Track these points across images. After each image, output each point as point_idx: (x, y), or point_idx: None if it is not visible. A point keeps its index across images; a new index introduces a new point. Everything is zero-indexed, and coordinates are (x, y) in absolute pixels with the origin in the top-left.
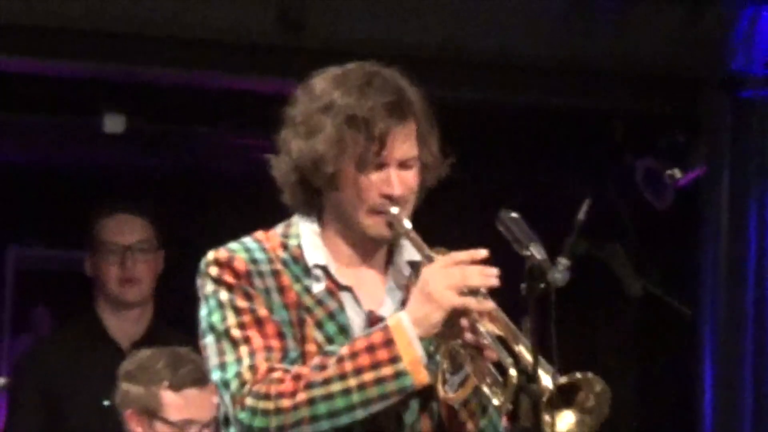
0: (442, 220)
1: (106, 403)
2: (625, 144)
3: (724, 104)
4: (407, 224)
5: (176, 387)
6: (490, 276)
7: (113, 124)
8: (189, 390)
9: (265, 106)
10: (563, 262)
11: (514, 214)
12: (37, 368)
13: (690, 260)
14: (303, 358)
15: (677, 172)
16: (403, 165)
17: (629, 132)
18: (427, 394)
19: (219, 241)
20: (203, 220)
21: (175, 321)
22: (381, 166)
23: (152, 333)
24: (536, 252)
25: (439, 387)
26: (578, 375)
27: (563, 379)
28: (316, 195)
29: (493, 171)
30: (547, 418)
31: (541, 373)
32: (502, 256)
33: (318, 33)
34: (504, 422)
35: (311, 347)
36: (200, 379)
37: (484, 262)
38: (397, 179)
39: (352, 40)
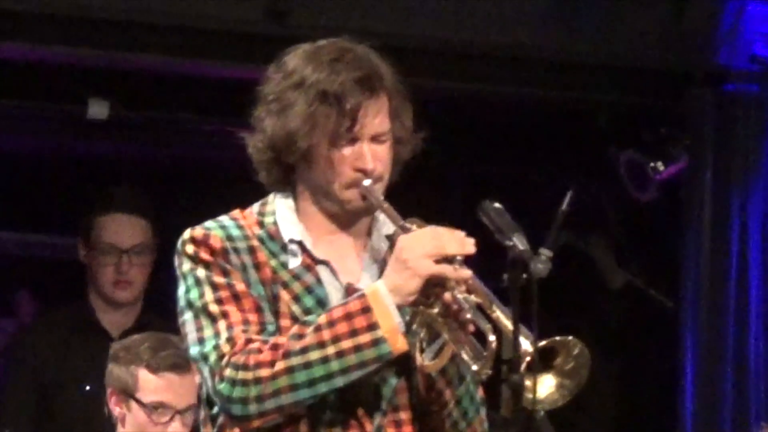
0: (425, 211)
1: (87, 387)
2: (609, 136)
3: (708, 98)
4: (380, 196)
5: (154, 369)
6: (467, 244)
7: (97, 110)
8: (167, 373)
9: (249, 94)
10: (545, 252)
11: (496, 205)
12: (30, 355)
13: (672, 253)
14: (279, 332)
15: (660, 165)
16: (375, 139)
17: (614, 125)
18: (404, 365)
19: None
20: (186, 208)
21: (163, 311)
22: (353, 140)
23: (142, 322)
24: (519, 242)
25: (417, 355)
26: (557, 338)
27: (542, 342)
28: (291, 171)
29: (477, 162)
30: (528, 383)
31: (520, 337)
32: (486, 247)
33: (303, 22)
34: (480, 392)
35: (286, 322)
36: (179, 364)
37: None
38: (369, 153)
39: (338, 29)
